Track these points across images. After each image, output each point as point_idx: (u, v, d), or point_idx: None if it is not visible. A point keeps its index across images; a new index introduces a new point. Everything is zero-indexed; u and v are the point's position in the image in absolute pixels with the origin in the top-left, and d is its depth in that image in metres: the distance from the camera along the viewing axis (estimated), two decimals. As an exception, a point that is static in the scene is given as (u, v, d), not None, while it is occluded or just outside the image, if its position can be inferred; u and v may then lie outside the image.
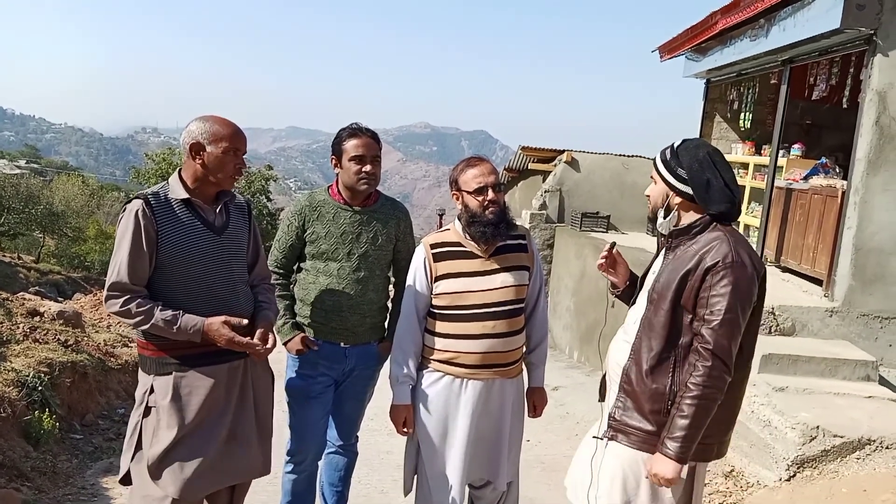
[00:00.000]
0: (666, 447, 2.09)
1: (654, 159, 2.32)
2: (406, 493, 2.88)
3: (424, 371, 2.75)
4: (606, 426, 2.31)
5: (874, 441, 3.85)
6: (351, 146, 2.94)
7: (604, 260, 2.52)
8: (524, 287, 2.74)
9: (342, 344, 3.04)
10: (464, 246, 2.71)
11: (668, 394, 2.16)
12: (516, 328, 2.72)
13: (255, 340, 2.44)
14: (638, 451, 2.22)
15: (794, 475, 3.84)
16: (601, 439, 2.32)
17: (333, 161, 3.02)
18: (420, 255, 2.76)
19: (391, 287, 3.27)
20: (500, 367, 2.70)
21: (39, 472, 3.90)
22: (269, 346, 2.48)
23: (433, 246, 2.74)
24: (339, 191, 3.04)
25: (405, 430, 2.75)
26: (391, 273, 3.24)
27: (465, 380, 2.68)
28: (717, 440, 2.27)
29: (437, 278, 2.69)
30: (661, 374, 2.18)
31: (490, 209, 2.64)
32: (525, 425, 2.93)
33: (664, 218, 2.28)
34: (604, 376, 2.54)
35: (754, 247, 6.72)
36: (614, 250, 2.55)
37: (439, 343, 2.70)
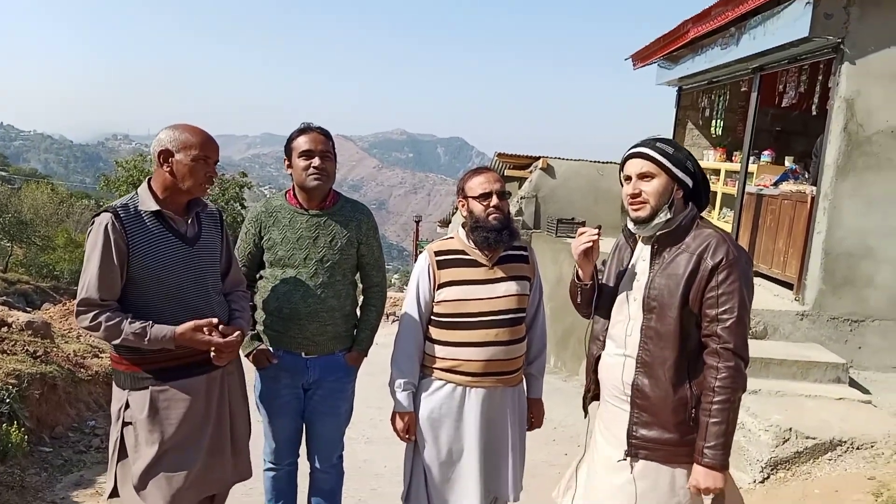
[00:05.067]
0: (707, 458, 2.04)
1: (644, 154, 2.17)
2: (403, 500, 2.84)
3: (425, 380, 2.73)
4: (627, 444, 2.22)
5: (845, 442, 3.91)
6: (299, 142, 2.88)
7: (590, 244, 2.26)
8: (526, 297, 2.76)
9: (303, 354, 2.93)
10: (468, 254, 2.71)
11: (690, 401, 2.12)
12: (518, 336, 2.73)
13: (223, 339, 2.37)
14: (663, 464, 2.17)
15: (768, 477, 3.89)
16: (624, 459, 2.23)
17: (286, 163, 2.96)
18: (424, 262, 2.75)
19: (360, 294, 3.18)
20: (503, 375, 2.70)
21: (7, 487, 3.81)
22: (229, 341, 2.39)
23: (437, 253, 2.74)
24: (295, 194, 2.97)
25: (408, 437, 2.73)
26: (359, 279, 3.15)
27: (468, 388, 2.67)
28: None
29: (441, 285, 2.69)
30: (681, 384, 2.13)
31: (494, 215, 2.64)
32: None
33: (670, 214, 2.16)
34: (586, 392, 2.49)
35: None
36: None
37: (441, 351, 2.69)
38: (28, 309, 11.65)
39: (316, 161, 2.85)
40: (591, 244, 2.27)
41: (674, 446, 2.15)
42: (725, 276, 2.07)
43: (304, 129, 2.91)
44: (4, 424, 4.12)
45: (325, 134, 2.93)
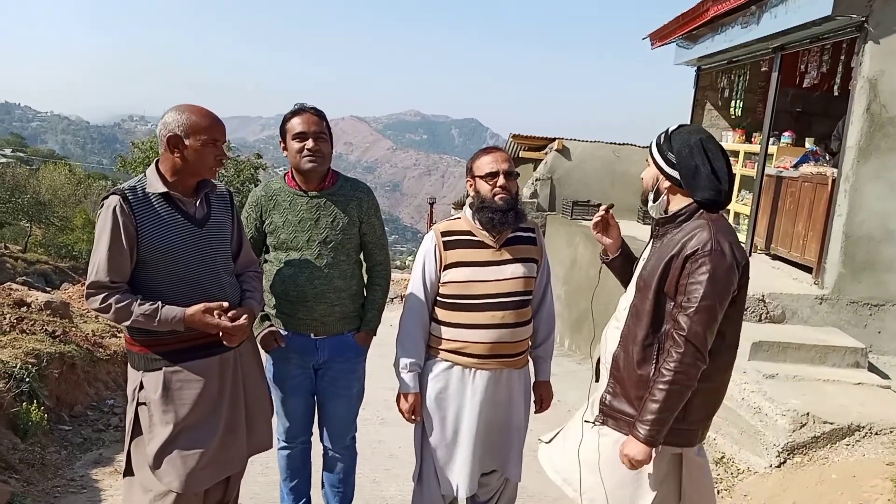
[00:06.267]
0: (636, 430, 2.14)
1: (651, 142, 2.34)
2: (415, 480, 2.87)
3: (431, 361, 2.73)
4: (598, 411, 2.35)
5: (863, 427, 3.88)
6: (292, 124, 2.86)
7: (598, 219, 2.47)
8: (532, 279, 2.73)
9: (312, 335, 2.95)
10: (475, 235, 2.68)
11: (651, 381, 2.18)
12: (524, 319, 2.72)
13: (231, 324, 2.37)
14: (625, 435, 2.24)
15: (785, 462, 3.86)
16: (592, 424, 2.35)
17: (282, 145, 2.94)
18: (430, 242, 2.72)
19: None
20: (508, 358, 2.70)
21: (28, 465, 3.87)
22: (239, 324, 2.39)
23: (444, 233, 2.71)
24: (293, 177, 2.95)
25: (413, 417, 2.75)
26: (363, 258, 3.13)
27: (474, 370, 2.67)
28: (702, 425, 2.30)
29: (447, 266, 2.67)
30: (646, 362, 2.20)
31: (500, 195, 2.61)
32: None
33: (653, 202, 2.31)
34: (598, 359, 2.54)
35: (744, 235, 6.73)
36: (610, 213, 2.50)
37: (447, 332, 2.69)
38: (47, 289, 11.80)
39: (310, 143, 2.83)
40: (599, 219, 2.46)
41: (633, 419, 2.20)
42: (698, 265, 2.09)
43: (298, 111, 2.89)
44: (25, 403, 4.18)
45: (319, 114, 2.90)
